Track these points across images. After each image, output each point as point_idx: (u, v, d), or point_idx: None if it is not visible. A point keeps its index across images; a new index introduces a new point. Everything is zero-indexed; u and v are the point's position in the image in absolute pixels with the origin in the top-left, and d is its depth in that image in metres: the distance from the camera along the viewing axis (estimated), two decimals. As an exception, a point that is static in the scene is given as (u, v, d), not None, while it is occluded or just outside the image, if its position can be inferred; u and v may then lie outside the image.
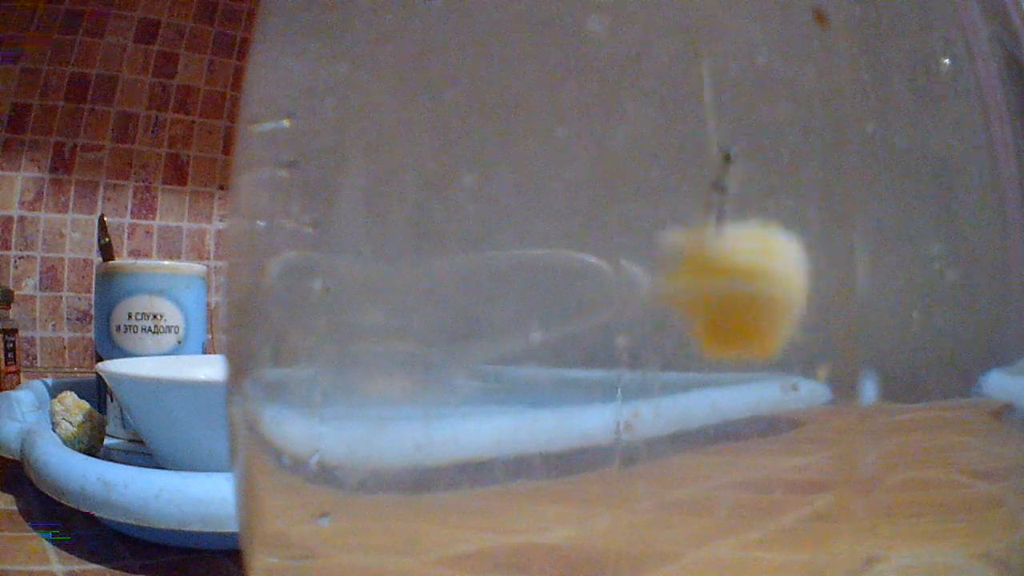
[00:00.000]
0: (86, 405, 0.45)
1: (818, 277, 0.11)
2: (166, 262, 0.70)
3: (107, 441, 0.47)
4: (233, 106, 1.17)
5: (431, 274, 0.12)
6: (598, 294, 0.11)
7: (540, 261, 0.11)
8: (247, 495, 0.14)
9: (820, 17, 0.11)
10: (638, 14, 0.11)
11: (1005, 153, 0.13)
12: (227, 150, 1.15)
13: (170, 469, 0.34)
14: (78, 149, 1.07)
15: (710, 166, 0.11)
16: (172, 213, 1.13)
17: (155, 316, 0.56)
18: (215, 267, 1.03)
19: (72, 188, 1.06)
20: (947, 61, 0.12)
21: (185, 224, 1.14)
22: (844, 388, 0.11)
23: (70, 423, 0.43)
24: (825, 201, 0.11)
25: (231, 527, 0.29)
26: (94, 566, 0.31)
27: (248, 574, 0.14)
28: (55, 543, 0.34)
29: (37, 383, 0.57)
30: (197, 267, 0.59)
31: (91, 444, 0.43)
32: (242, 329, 0.14)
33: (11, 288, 0.84)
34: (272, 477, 0.13)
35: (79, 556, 0.32)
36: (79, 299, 1.06)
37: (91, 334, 0.99)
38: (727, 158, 0.10)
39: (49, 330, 1.05)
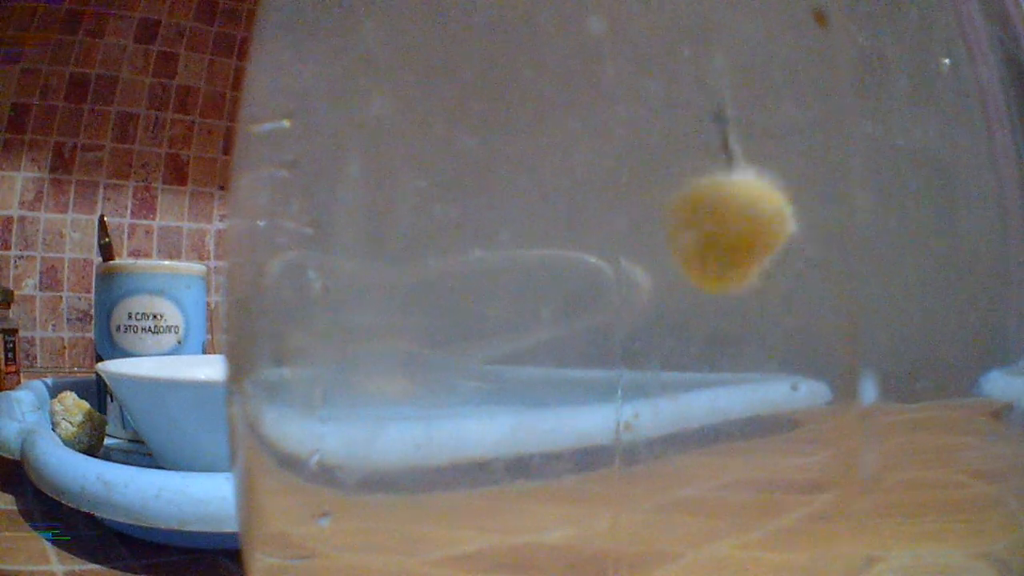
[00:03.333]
0: (86, 405, 0.45)
1: (819, 276, 0.11)
2: (166, 262, 0.70)
3: (107, 441, 0.47)
4: (233, 106, 1.17)
5: (431, 274, 0.12)
6: (598, 294, 0.11)
7: (540, 261, 0.11)
8: (247, 495, 0.14)
9: (820, 17, 0.11)
10: (639, 14, 0.11)
11: (1005, 153, 0.13)
12: (227, 150, 1.15)
13: (170, 469, 0.34)
14: (78, 149, 1.07)
15: (709, 158, 0.11)
16: (172, 213, 1.13)
17: (155, 316, 0.56)
18: (215, 267, 1.03)
19: (72, 188, 1.06)
20: (947, 61, 0.12)
21: (185, 224, 1.14)
22: (844, 388, 0.11)
23: (70, 423, 0.43)
24: (825, 201, 0.11)
25: (231, 527, 0.29)
26: (94, 566, 0.31)
27: (248, 574, 0.14)
28: (55, 543, 0.34)
29: (37, 383, 0.57)
30: (197, 267, 0.59)
31: (91, 444, 0.43)
32: (242, 329, 0.14)
33: (11, 288, 0.84)
34: (272, 477, 0.13)
35: (79, 556, 0.32)
36: (79, 299, 1.06)
37: (91, 334, 1.00)
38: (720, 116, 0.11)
39: (49, 330, 1.05)
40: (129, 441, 0.50)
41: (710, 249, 0.10)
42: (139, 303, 0.55)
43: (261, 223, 0.13)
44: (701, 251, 0.11)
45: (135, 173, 1.11)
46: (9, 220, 1.03)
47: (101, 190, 1.08)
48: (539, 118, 0.12)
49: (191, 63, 1.15)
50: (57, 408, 0.44)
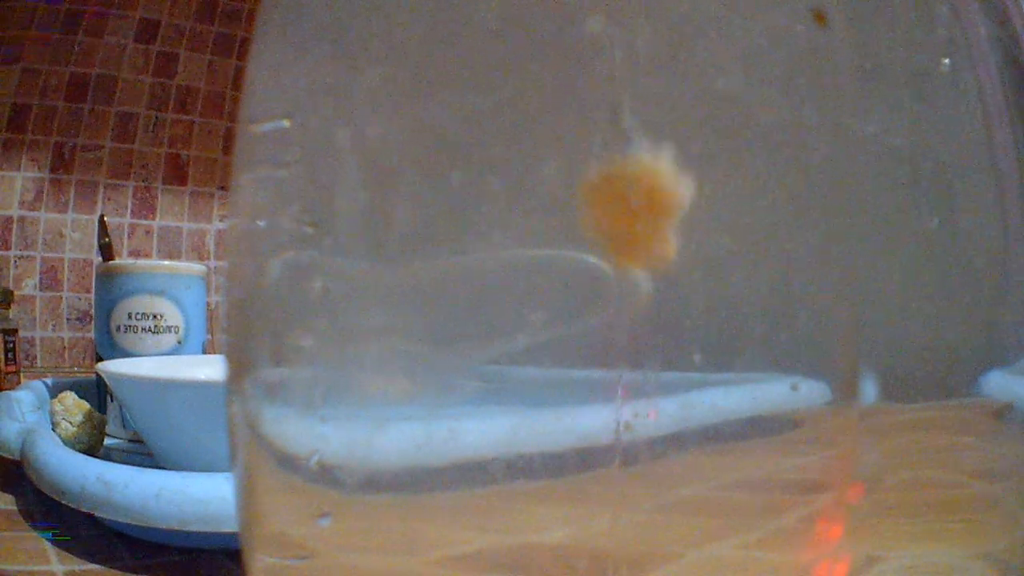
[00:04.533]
0: (86, 405, 0.45)
1: (819, 276, 0.11)
2: (166, 262, 0.70)
3: (107, 441, 0.47)
4: (233, 106, 1.17)
5: (431, 274, 0.12)
6: (598, 294, 0.11)
7: (540, 261, 0.11)
8: (247, 495, 0.14)
9: (820, 17, 0.11)
10: (636, 14, 0.11)
11: (1005, 153, 0.13)
12: (227, 150, 1.15)
13: (170, 469, 0.34)
14: (78, 149, 1.07)
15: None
16: (172, 213, 1.13)
17: (155, 316, 0.56)
18: (215, 267, 1.03)
19: (72, 188, 1.06)
20: (947, 61, 0.12)
21: (185, 224, 1.14)
22: (844, 388, 0.11)
23: (70, 423, 0.43)
24: (825, 201, 0.11)
25: (231, 527, 0.29)
26: (94, 566, 0.31)
27: (248, 574, 0.14)
28: (55, 543, 0.34)
29: (37, 383, 0.57)
30: (197, 267, 0.59)
31: (91, 444, 0.43)
32: (242, 329, 0.14)
33: (11, 288, 0.84)
34: (272, 477, 0.13)
35: (79, 556, 0.32)
36: (79, 299, 1.06)
37: (91, 334, 0.99)
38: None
39: (49, 330, 1.05)
40: (129, 441, 0.50)
41: (616, 224, 0.11)
42: (139, 303, 0.55)
43: (261, 223, 0.13)
44: (609, 229, 0.11)
45: (135, 173, 1.11)
46: (9, 220, 1.03)
47: (101, 190, 1.08)
48: (540, 117, 0.12)
49: (191, 63, 1.15)
50: (57, 408, 0.44)
